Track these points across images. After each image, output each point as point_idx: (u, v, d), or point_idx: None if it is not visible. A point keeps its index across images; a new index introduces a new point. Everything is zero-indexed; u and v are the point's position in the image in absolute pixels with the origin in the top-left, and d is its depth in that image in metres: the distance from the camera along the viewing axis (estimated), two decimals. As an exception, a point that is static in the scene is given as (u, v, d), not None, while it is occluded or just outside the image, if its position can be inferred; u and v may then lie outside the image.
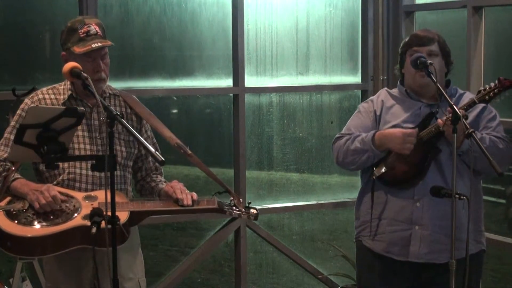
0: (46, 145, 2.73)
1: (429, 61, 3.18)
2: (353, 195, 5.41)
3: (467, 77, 4.59)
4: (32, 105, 3.20)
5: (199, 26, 4.94)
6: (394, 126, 3.36)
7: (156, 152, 2.80)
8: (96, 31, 3.19)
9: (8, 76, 4.57)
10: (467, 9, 4.59)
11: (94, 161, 2.80)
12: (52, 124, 2.73)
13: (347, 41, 5.39)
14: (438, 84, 3.09)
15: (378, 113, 3.45)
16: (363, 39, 5.33)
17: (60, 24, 4.73)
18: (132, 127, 3.31)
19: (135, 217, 3.15)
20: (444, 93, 3.10)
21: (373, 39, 5.29)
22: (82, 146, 3.20)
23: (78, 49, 3.16)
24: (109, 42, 3.22)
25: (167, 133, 3.34)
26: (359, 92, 5.39)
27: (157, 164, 3.41)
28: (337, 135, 3.50)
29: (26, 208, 3.06)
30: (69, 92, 3.24)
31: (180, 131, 4.58)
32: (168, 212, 3.28)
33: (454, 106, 2.99)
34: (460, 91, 3.47)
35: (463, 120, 2.94)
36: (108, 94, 3.32)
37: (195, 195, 3.24)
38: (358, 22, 5.35)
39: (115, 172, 3.21)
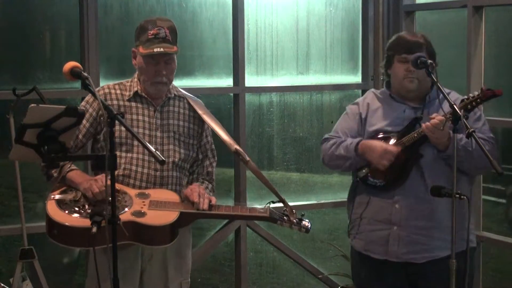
0: (46, 145, 2.73)
1: (429, 61, 3.19)
2: (353, 195, 5.40)
3: (467, 77, 4.58)
4: (88, 102, 3.25)
5: (199, 26, 4.94)
6: (378, 130, 3.43)
7: (157, 152, 2.80)
8: (166, 35, 3.18)
9: (8, 76, 4.56)
10: (467, 9, 4.58)
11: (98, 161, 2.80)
12: (52, 124, 2.73)
13: (348, 41, 5.39)
14: (438, 84, 3.11)
15: (363, 116, 3.51)
16: (364, 38, 5.33)
17: (60, 24, 4.77)
18: (193, 131, 3.37)
19: (184, 219, 3.16)
20: (445, 94, 3.10)
21: (373, 39, 5.29)
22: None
23: (142, 50, 3.19)
24: (175, 49, 3.20)
25: (227, 138, 3.37)
26: (359, 92, 5.38)
27: (209, 169, 3.46)
28: (325, 136, 3.61)
29: (78, 198, 3.09)
30: (135, 89, 3.26)
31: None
32: (218, 216, 3.28)
33: (455, 106, 3.01)
34: (446, 90, 3.45)
35: (464, 120, 2.96)
36: (173, 95, 3.35)
37: (214, 199, 3.24)
38: (358, 21, 5.35)
39: (171, 173, 3.24)
